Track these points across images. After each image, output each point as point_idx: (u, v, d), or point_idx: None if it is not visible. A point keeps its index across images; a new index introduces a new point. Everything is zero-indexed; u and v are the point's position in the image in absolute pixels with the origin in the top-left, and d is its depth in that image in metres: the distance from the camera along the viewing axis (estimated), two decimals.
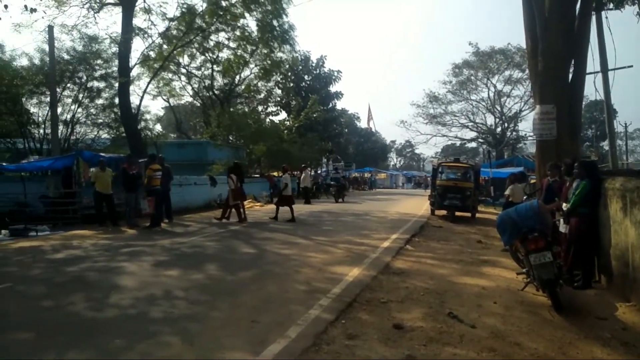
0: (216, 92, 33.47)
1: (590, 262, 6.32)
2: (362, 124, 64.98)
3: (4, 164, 15.00)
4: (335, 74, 42.17)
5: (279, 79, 36.14)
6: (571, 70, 10.75)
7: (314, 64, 41.68)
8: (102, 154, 14.94)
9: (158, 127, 32.98)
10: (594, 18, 12.44)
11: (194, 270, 6.85)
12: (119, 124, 20.05)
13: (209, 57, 29.64)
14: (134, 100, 20.45)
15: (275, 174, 29.69)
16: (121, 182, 12.49)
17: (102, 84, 20.19)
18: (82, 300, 5.32)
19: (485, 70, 40.85)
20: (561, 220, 6.66)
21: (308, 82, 41.33)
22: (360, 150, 65.54)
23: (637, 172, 7.29)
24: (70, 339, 4.11)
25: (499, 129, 43.17)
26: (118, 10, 18.89)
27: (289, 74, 37.77)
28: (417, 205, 21.47)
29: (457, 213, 15.17)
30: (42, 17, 16.65)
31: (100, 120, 21.03)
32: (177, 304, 5.20)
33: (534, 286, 5.74)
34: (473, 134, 45.94)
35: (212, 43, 25.66)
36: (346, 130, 52.59)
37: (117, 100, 19.13)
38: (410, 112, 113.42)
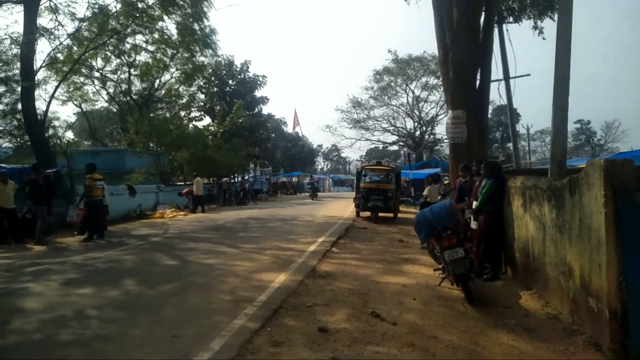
0: (134, 96, 31.84)
1: (497, 256, 6.85)
2: (289, 128, 65.20)
3: None
4: (260, 78, 42.01)
5: (201, 83, 35.21)
6: (478, 77, 11.62)
7: (238, 69, 41.18)
8: (3, 165, 13.61)
9: (70, 135, 30.70)
10: (496, 30, 13.59)
11: (109, 287, 6.43)
12: (23, 131, 18.32)
13: (125, 61, 28.10)
14: (41, 105, 18.84)
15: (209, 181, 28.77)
16: (28, 194, 11.45)
17: (1, 88, 18.37)
18: None
19: (404, 77, 42.84)
20: (472, 217, 7.15)
21: (232, 87, 40.72)
22: (287, 155, 65.75)
23: (535, 172, 8.04)
24: None
25: (417, 133, 45.42)
26: (20, 8, 17.31)
27: (212, 78, 36.97)
28: (343, 207, 21.93)
29: (380, 214, 15.73)
30: None
31: (1, 128, 19.13)
32: (90, 324, 4.85)
33: (449, 281, 6.10)
34: (394, 138, 47.90)
35: (128, 46, 24.40)
36: (273, 135, 52.49)
37: (20, 106, 17.50)
38: (335, 117, 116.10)
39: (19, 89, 17.09)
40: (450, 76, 11.26)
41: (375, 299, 5.78)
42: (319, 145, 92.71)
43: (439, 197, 8.62)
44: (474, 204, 6.97)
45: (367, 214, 16.23)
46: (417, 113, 44.65)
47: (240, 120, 33.23)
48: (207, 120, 37.88)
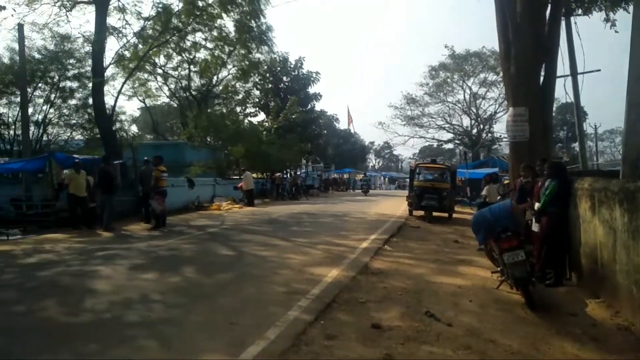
0: (193, 92, 33.11)
1: (561, 260, 6.51)
2: (341, 125, 65.28)
3: None
4: (314, 75, 42.21)
5: (257, 79, 36.03)
6: (542, 73, 11.05)
7: (292, 65, 41.61)
8: (76, 156, 14.62)
9: (134, 128, 32.50)
10: (563, 23, 12.84)
11: (171, 273, 6.77)
12: (93, 124, 19.62)
13: (185, 58, 29.33)
14: (109, 100, 20.08)
15: (256, 175, 29.56)
16: (98, 183, 12.25)
17: (75, 84, 19.72)
18: (55, 305, 5.21)
19: (461, 73, 41.53)
20: (533, 219, 6.84)
21: (287, 84, 41.23)
22: (339, 151, 65.75)
23: (604, 173, 7.56)
24: (44, 344, 4.03)
25: (474, 131, 43.93)
26: (91, 8, 18.54)
27: (267, 75, 37.68)
28: (395, 206, 21.67)
29: (435, 213, 15.40)
30: (12, 15, 16.22)
31: (74, 121, 20.56)
32: (154, 308, 5.13)
33: (508, 284, 5.88)
34: (450, 136, 46.64)
35: (188, 43, 25.40)
36: (325, 131, 52.66)
37: (91, 101, 18.74)
38: (388, 113, 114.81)
39: (90, 84, 18.31)
40: (512, 72, 10.79)
41: (429, 298, 5.68)
42: (370, 142, 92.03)
43: (499, 197, 8.32)
44: (536, 205, 6.67)
45: (421, 213, 15.96)
46: (475, 110, 43.17)
47: (293, 117, 33.64)
48: (261, 116, 38.77)
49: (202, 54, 27.35)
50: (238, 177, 27.64)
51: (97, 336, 4.23)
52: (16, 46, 16.68)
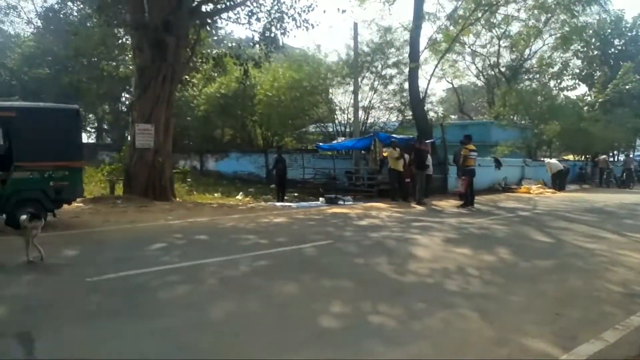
0: (502, 69, 31.58)
1: None
2: None
3: (320, 144, 18.35)
4: None
5: (579, 47, 31.23)
6: None
7: (628, 25, 34.03)
8: (394, 135, 16.39)
9: (440, 109, 33.83)
10: None
11: (483, 251, 6.79)
12: (405, 107, 21.49)
13: (495, 33, 28.16)
14: (421, 83, 21.49)
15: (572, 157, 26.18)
16: (414, 161, 13.44)
17: (394, 71, 21.98)
18: (386, 263, 6.04)
19: None
20: None
21: (619, 47, 34.11)
22: None
23: None
24: (381, 294, 4.73)
25: None
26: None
27: (593, 40, 32.12)
28: None
29: None
30: (350, 17, 19.31)
31: (391, 105, 23.03)
32: (471, 281, 5.26)
33: None
34: None
35: (499, 17, 24.26)
36: None
37: (406, 85, 20.49)
38: None
39: (407, 70, 20.00)
40: None
41: None
42: None
43: None
44: None
45: None
46: None
47: (627, 87, 27.62)
48: (581, 89, 33.60)
49: (513, 27, 25.76)
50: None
51: (422, 296, 4.66)
52: (351, 43, 19.84)
